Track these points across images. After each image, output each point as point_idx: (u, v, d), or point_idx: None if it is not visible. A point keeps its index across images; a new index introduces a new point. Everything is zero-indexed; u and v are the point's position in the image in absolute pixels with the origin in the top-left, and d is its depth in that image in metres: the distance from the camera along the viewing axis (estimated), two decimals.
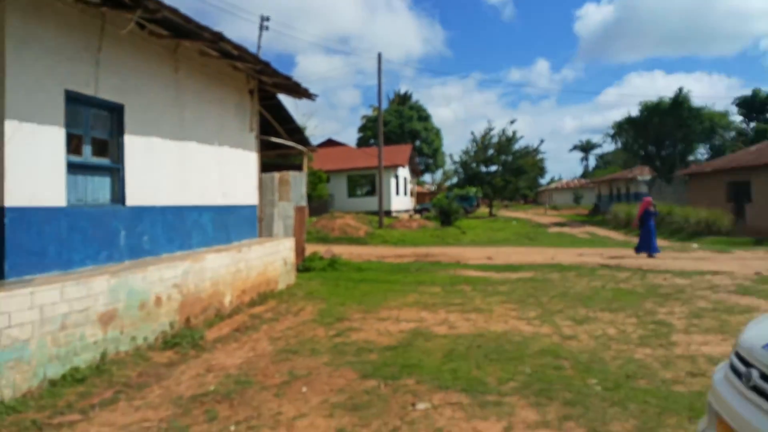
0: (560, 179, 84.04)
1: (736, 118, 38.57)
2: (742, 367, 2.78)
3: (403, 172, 39.45)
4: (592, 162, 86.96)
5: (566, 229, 29.67)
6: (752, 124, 39.29)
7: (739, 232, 20.52)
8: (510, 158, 42.50)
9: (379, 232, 23.93)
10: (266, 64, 8.92)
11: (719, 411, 2.88)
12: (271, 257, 9.77)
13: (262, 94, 10.89)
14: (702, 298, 8.45)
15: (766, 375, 2.55)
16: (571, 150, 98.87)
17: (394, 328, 7.22)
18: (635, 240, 21.28)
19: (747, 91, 39.04)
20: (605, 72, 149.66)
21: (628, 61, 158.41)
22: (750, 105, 39.28)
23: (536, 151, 43.71)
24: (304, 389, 5.00)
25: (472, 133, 46.55)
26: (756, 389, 2.59)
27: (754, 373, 2.63)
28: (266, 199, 12.12)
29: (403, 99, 59.67)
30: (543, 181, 70.45)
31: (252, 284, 9.00)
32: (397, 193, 37.65)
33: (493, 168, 43.29)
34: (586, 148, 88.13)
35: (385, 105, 57.90)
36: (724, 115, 34.52)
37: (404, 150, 40.43)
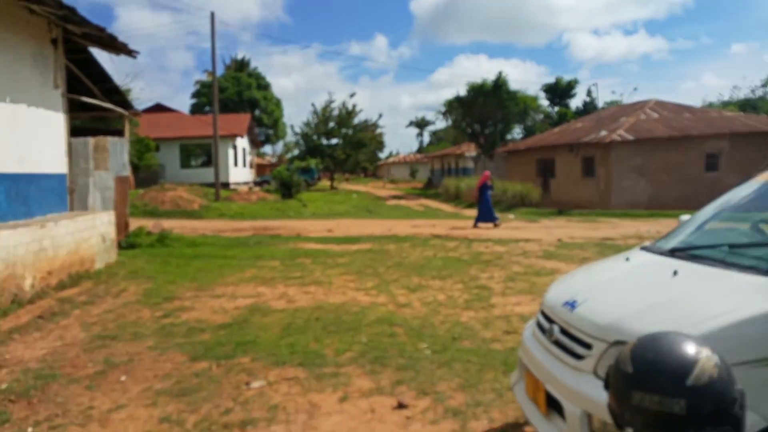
0: (398, 154, 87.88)
1: (544, 102, 43.65)
2: (546, 323, 3.10)
3: (242, 143, 37.88)
4: (426, 138, 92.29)
5: (403, 202, 31.18)
6: (556, 108, 44.78)
7: (546, 203, 23.39)
8: (351, 131, 43.16)
9: (216, 205, 22.75)
10: (71, 10, 7.71)
11: (527, 364, 3.18)
12: (85, 233, 8.67)
13: (71, 47, 9.46)
14: (516, 263, 9.45)
15: (565, 330, 2.86)
16: (407, 126, 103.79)
17: (229, 305, 6.89)
18: (465, 212, 23.15)
19: (552, 79, 44.50)
20: (438, 52, 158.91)
21: (458, 43, 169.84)
22: (554, 91, 44.70)
23: (375, 125, 44.99)
24: (123, 378, 4.52)
25: (313, 104, 46.49)
26: (557, 343, 2.89)
27: (555, 329, 2.94)
28: (79, 167, 10.68)
29: (241, 65, 56.88)
30: (382, 155, 73.06)
31: (61, 264, 7.90)
32: (236, 164, 36.09)
33: (334, 141, 43.63)
34: (421, 124, 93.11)
35: (221, 70, 54.65)
36: (535, 99, 38.82)
37: (243, 119, 38.76)
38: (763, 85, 36.04)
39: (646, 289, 2.77)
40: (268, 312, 6.55)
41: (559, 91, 43.87)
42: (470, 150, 42.60)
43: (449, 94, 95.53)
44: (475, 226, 15.75)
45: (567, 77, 44.48)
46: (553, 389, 2.78)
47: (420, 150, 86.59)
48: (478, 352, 5.05)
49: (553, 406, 2.82)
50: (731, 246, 2.84)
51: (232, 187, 33.02)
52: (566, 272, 8.43)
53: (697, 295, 2.52)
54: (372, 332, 5.75)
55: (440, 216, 20.98)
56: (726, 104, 35.12)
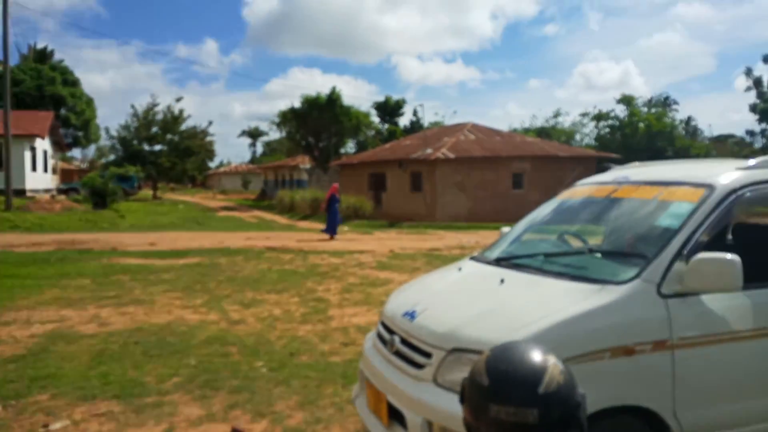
0: (229, 164, 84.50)
1: (375, 119, 45.68)
2: (387, 334, 3.12)
3: (43, 145, 33.11)
4: (260, 148, 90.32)
5: (235, 213, 29.98)
6: (386, 125, 47.13)
7: (378, 216, 24.34)
8: (177, 138, 40.40)
9: (7, 216, 19.47)
10: None
11: (369, 376, 3.17)
12: None
13: None
14: (352, 274, 9.59)
15: (406, 340, 2.90)
16: (240, 135, 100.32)
17: (21, 333, 5.85)
18: (300, 224, 23.02)
19: (382, 97, 46.94)
20: (272, 62, 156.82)
21: (292, 55, 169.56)
22: (384, 108, 47.09)
23: (205, 132, 42.76)
24: None
25: (133, 106, 42.23)
26: (398, 353, 2.92)
27: (396, 339, 2.96)
28: None
29: (43, 56, 49.85)
30: (212, 164, 69.58)
31: None
32: (35, 168, 31.39)
33: (158, 147, 40.42)
34: (254, 134, 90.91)
35: (15, 59, 47.30)
36: (367, 115, 40.42)
37: (44, 118, 33.86)
38: (554, 116, 41.94)
39: (478, 296, 2.93)
40: (75, 338, 5.70)
41: (388, 109, 46.29)
42: (305, 162, 42.70)
43: (283, 105, 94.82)
44: (331, 237, 15.93)
45: (396, 96, 47.17)
46: (394, 400, 2.79)
47: (253, 160, 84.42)
48: (317, 367, 4.95)
49: (395, 417, 2.83)
50: (546, 255, 3.15)
51: (29, 194, 28.59)
52: (399, 282, 8.82)
53: (521, 301, 2.73)
54: (202, 353, 5.32)
55: (275, 228, 20.57)
56: (527, 130, 40.23)
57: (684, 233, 2.66)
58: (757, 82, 30.62)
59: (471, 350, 2.53)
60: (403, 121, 47.17)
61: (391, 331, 3.09)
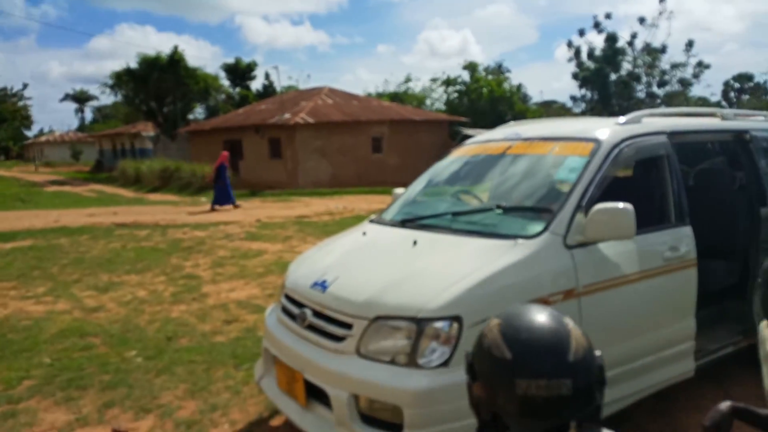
0: (52, 132, 74.17)
1: (225, 82, 43.02)
2: (295, 308, 2.90)
3: None
4: (89, 115, 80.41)
5: (68, 188, 26.53)
6: (237, 89, 44.72)
7: (237, 185, 23.20)
8: None
9: None
10: None
11: (277, 354, 2.94)
12: None
13: None
14: (221, 247, 8.99)
15: (320, 312, 2.71)
16: (62, 99, 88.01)
17: None
18: (149, 196, 21.04)
19: (230, 59, 44.06)
20: (94, 16, 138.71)
21: (118, 9, 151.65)
22: (235, 71, 44.50)
23: (18, 96, 36.90)
24: None
25: None
26: (312, 327, 2.73)
27: (308, 312, 2.77)
28: None
29: None
30: (30, 133, 60.60)
31: None
32: None
33: None
34: (81, 98, 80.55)
35: None
36: (216, 78, 37.87)
37: None
38: (405, 82, 43.10)
39: (393, 260, 2.83)
40: None
41: (239, 72, 43.75)
42: (147, 129, 38.99)
43: (115, 65, 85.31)
44: (212, 209, 14.87)
45: (246, 59, 44.68)
46: (313, 377, 2.61)
47: (83, 128, 75.06)
48: (201, 350, 4.55)
49: (313, 395, 2.66)
50: (454, 214, 3.14)
51: None
52: (274, 252, 8.48)
53: (439, 262, 2.68)
54: (57, 349, 4.61)
55: (121, 202, 18.58)
56: (380, 95, 40.90)
57: (581, 185, 2.79)
58: (577, 53, 34.17)
59: (395, 317, 2.44)
60: (256, 85, 45.01)
61: (299, 304, 2.88)
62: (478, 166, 3.59)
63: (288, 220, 12.21)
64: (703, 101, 40.01)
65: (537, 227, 2.71)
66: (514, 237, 2.69)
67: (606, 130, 3.10)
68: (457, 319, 2.35)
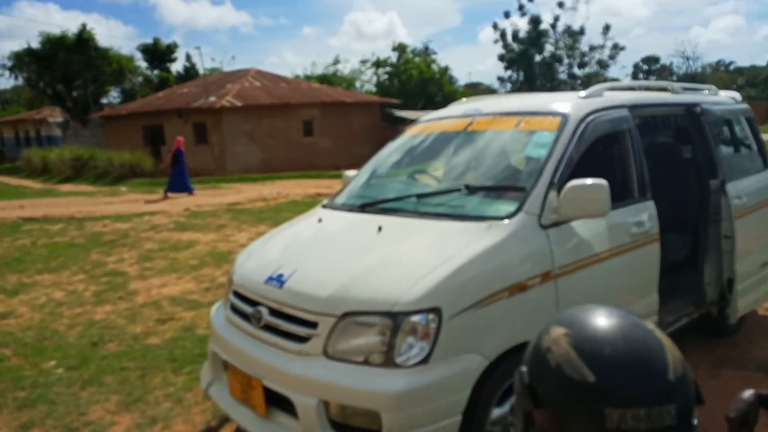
0: None
1: (142, 64, 40.43)
2: (248, 307, 2.58)
3: None
4: None
5: None
6: (156, 72, 42.19)
7: (160, 173, 21.90)
8: None
9: None
10: None
11: (228, 359, 2.62)
12: None
13: None
14: (147, 239, 8.32)
15: (278, 311, 2.42)
16: None
17: None
18: (60, 188, 19.38)
19: (144, 40, 41.35)
20: None
21: None
22: (153, 53, 41.87)
23: None
24: None
25: None
26: (269, 328, 2.43)
27: (264, 311, 2.46)
28: None
29: None
30: None
31: None
32: None
33: None
34: None
35: None
36: (131, 59, 35.50)
37: None
38: (334, 64, 42.37)
39: (357, 249, 2.57)
40: None
41: (158, 54, 41.13)
42: (55, 115, 36.02)
43: (14, 45, 78.30)
44: (165, 196, 14.11)
45: (165, 40, 42.07)
46: (274, 383, 2.32)
47: None
48: (132, 354, 4.10)
49: (274, 403, 2.37)
50: (418, 196, 2.91)
51: None
52: (207, 242, 7.94)
53: (409, 249, 2.45)
54: None
55: (27, 195, 16.97)
56: (309, 77, 39.99)
57: (552, 162, 2.64)
58: (503, 35, 34.91)
59: (366, 312, 2.19)
60: (176, 67, 42.66)
61: (252, 302, 2.56)
62: (436, 144, 3.37)
63: (219, 207, 11.57)
64: (622, 82, 42.19)
65: (509, 207, 2.54)
66: (487, 219, 2.50)
67: (570, 103, 2.97)
68: (435, 311, 2.13)
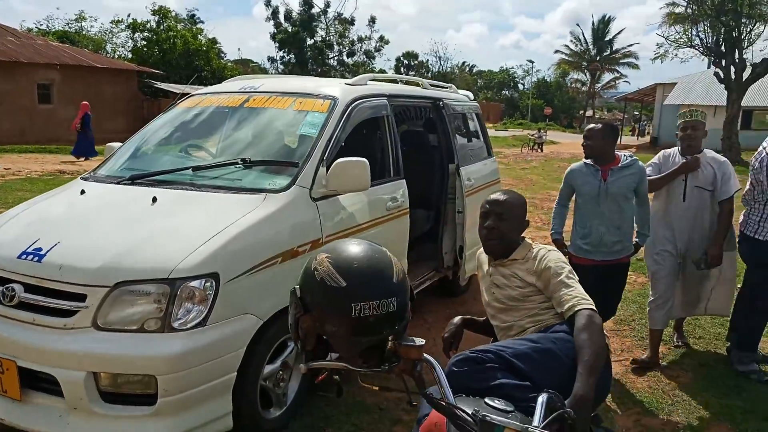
0: None
1: None
2: None
3: None
4: None
5: None
6: None
7: None
8: None
9: None
10: None
11: None
12: None
13: None
14: None
15: (35, 286, 2.22)
16: None
17: None
18: None
19: None
20: None
21: None
22: None
23: None
24: None
25: None
26: (24, 305, 2.22)
27: (17, 288, 2.24)
28: None
29: None
30: None
31: None
32: None
33: None
34: None
35: None
36: None
37: None
38: (77, 20, 36.88)
39: (130, 221, 2.49)
40: None
41: None
42: None
43: None
44: (76, 156, 14.63)
45: None
46: (32, 363, 2.15)
47: None
48: None
49: (32, 385, 2.19)
50: (194, 169, 2.91)
51: None
52: None
53: (186, 220, 2.48)
54: None
55: None
56: (46, 33, 34.07)
57: (323, 140, 2.93)
58: (275, 13, 34.55)
59: (142, 281, 2.18)
60: None
61: (3, 280, 2.29)
62: (212, 119, 3.38)
63: None
64: (383, 73, 45.77)
65: (284, 181, 2.74)
66: (263, 191, 2.67)
67: (339, 89, 3.30)
68: (214, 276, 2.24)
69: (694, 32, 19.38)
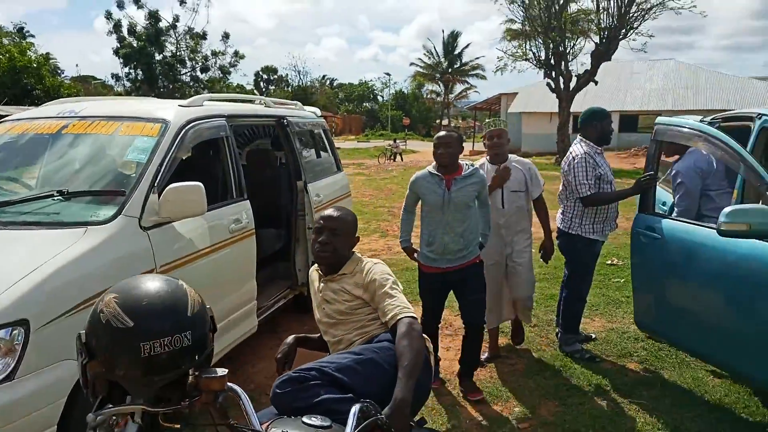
0: None
1: None
2: None
3: None
4: None
5: None
6: None
7: None
8: None
9: None
10: None
11: None
12: None
13: None
14: None
15: None
16: None
17: None
18: None
19: None
20: None
21: None
22: None
23: None
24: None
25: None
26: None
27: None
28: None
29: None
30: None
31: None
32: None
33: None
34: None
35: None
36: None
37: None
38: None
39: None
40: None
41: None
42: None
43: None
44: None
45: None
46: None
47: None
48: None
49: None
50: (1, 204, 2.61)
51: None
52: None
53: None
54: None
55: None
56: None
57: (153, 166, 2.79)
58: (117, 27, 32.05)
59: None
60: None
61: None
62: (24, 147, 3.07)
63: None
64: (241, 88, 44.45)
65: (108, 212, 2.57)
66: (84, 224, 2.48)
67: (172, 111, 3.17)
68: (23, 323, 2.03)
69: (528, 47, 21.57)
